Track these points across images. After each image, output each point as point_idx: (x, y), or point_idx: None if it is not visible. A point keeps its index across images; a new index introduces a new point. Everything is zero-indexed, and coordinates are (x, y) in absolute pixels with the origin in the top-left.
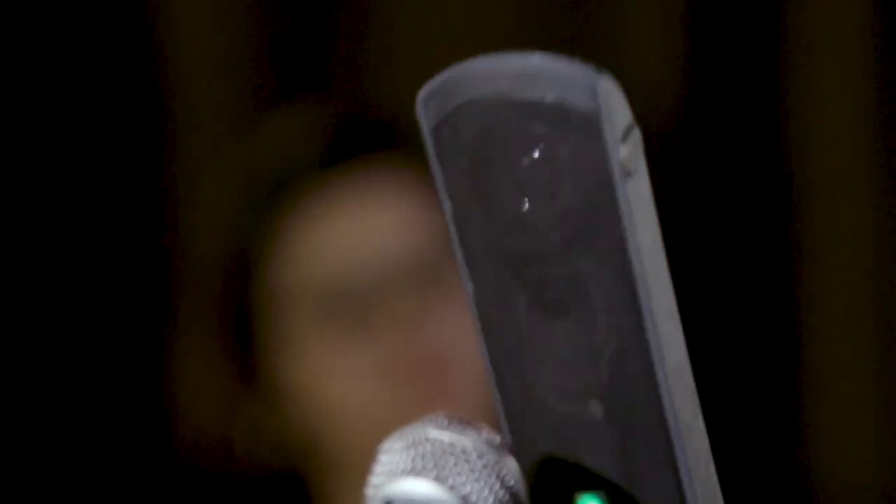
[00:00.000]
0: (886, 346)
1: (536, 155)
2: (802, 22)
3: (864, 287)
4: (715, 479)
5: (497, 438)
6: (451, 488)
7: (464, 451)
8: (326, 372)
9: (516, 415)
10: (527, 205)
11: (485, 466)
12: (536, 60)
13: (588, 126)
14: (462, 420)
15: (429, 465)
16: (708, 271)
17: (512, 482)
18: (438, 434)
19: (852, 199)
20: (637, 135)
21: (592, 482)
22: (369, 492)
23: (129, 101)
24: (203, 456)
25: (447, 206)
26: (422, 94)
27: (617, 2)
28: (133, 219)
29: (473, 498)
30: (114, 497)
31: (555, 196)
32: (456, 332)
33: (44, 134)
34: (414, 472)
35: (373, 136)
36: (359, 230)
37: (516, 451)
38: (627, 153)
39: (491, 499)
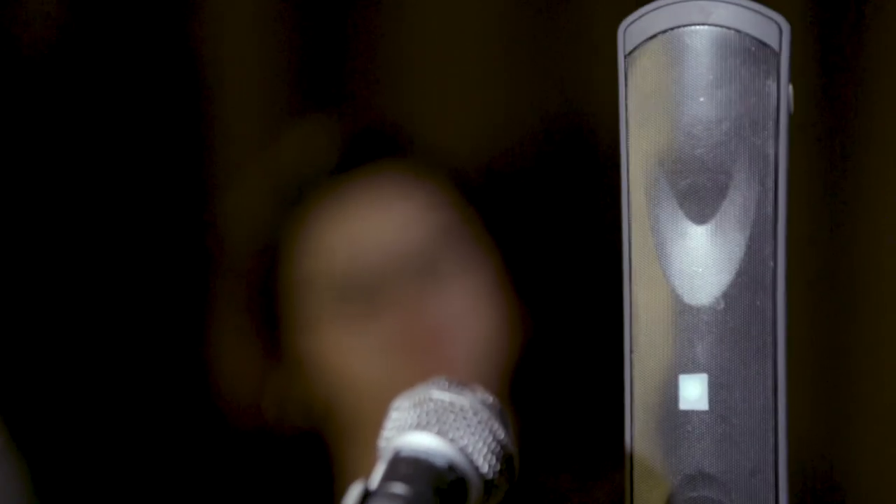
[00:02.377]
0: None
1: (720, 82)
2: None
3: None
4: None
5: (490, 398)
6: (451, 441)
7: (462, 409)
8: (340, 347)
9: (641, 304)
10: (699, 121)
11: (479, 422)
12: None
13: (767, 60)
14: (460, 383)
15: (432, 420)
16: None
17: (502, 435)
18: (440, 394)
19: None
20: (791, 89)
21: (698, 366)
22: (381, 443)
23: (179, 113)
24: (239, 417)
25: (623, 118)
26: (623, 24)
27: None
28: (180, 216)
29: (469, 449)
30: (166, 452)
31: (723, 116)
32: (449, 314)
33: (110, 138)
34: (420, 426)
35: (382, 145)
36: (366, 229)
37: (633, 331)
38: (792, 96)
39: (484, 449)
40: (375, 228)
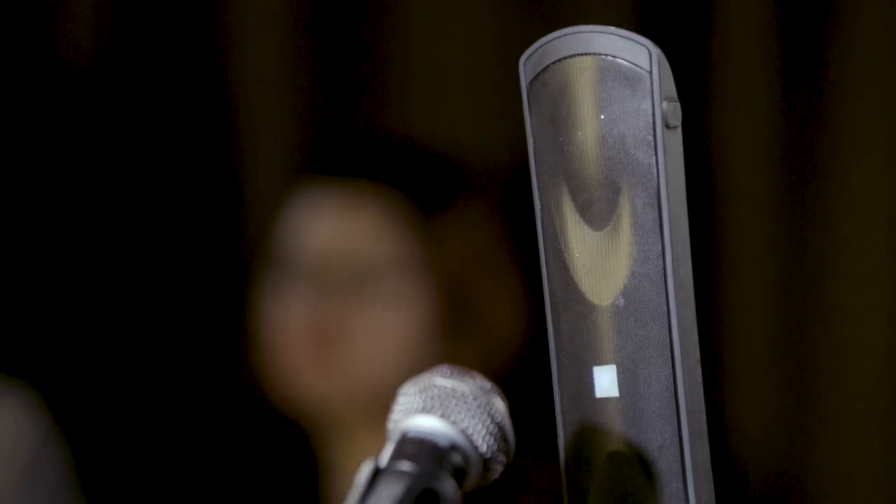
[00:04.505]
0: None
1: (603, 105)
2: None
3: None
4: (700, 379)
5: (488, 384)
6: (453, 423)
7: (463, 395)
8: (278, 320)
9: (558, 301)
10: (588, 140)
11: (479, 406)
12: (609, 30)
13: (642, 82)
14: (462, 370)
15: (436, 405)
16: None
17: (500, 418)
18: (443, 381)
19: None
20: (677, 104)
21: (608, 358)
22: (390, 425)
23: (209, 126)
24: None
25: (530, 142)
26: (524, 57)
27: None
28: (204, 207)
29: (470, 431)
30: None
31: (610, 134)
32: (357, 322)
33: (156, 149)
34: (424, 410)
35: (379, 158)
36: (329, 223)
37: (554, 330)
38: (669, 110)
39: (483, 431)
40: (337, 225)
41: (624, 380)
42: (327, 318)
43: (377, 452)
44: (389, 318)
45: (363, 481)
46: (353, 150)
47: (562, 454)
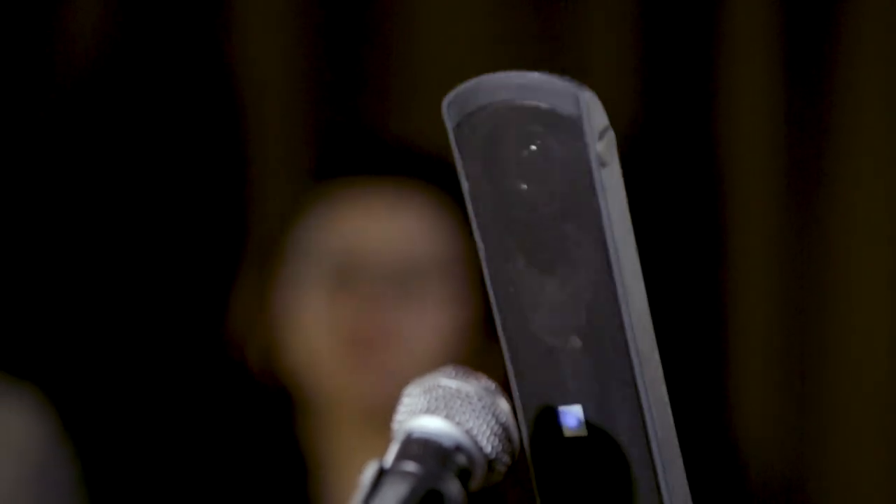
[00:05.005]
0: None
1: (534, 149)
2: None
3: (779, 270)
4: (667, 399)
5: (492, 385)
6: (458, 424)
7: (467, 395)
8: (310, 319)
9: (515, 347)
10: (525, 186)
11: (483, 407)
12: (535, 76)
13: (574, 127)
14: (466, 371)
15: (441, 405)
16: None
17: (504, 419)
18: (448, 382)
19: (768, 195)
20: (611, 135)
21: (573, 398)
22: (395, 426)
23: (218, 125)
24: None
25: (465, 185)
26: (446, 99)
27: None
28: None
29: (474, 431)
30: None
31: (547, 179)
32: (406, 322)
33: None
34: (429, 411)
35: (390, 158)
36: (369, 225)
37: (515, 374)
38: (604, 148)
39: (487, 432)
40: (374, 225)
41: (591, 417)
42: (374, 320)
43: (370, 447)
44: (435, 319)
45: (368, 482)
46: (394, 149)
47: (536, 493)
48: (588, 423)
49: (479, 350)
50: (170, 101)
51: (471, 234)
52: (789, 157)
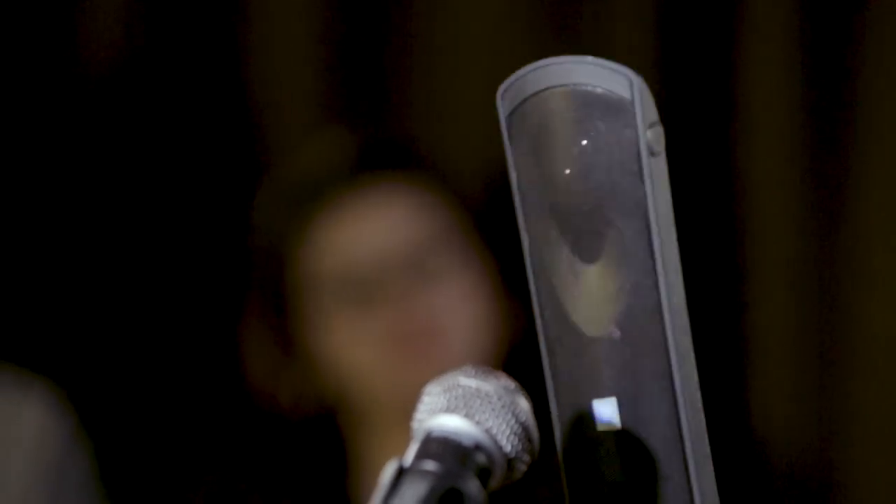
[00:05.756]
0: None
1: (585, 143)
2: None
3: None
4: (699, 396)
5: (512, 384)
6: (477, 423)
7: (487, 394)
8: (345, 341)
9: (552, 336)
10: (573, 173)
11: (503, 406)
12: (589, 60)
13: (625, 111)
14: (485, 370)
15: (460, 404)
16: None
17: (524, 418)
18: (467, 381)
19: (785, 189)
20: (660, 128)
21: (608, 390)
22: (414, 425)
23: (233, 131)
24: (264, 401)
25: (513, 175)
26: (501, 88)
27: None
28: (219, 217)
29: (494, 430)
30: (208, 427)
31: (595, 167)
32: (439, 310)
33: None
34: (449, 410)
35: (386, 154)
36: (363, 231)
37: (551, 365)
38: (653, 137)
39: (507, 431)
40: (370, 230)
41: (625, 411)
42: (407, 316)
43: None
44: (465, 308)
45: (387, 481)
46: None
47: (566, 489)
48: (622, 417)
49: (504, 340)
50: (186, 105)
51: (477, 225)
52: (810, 156)
